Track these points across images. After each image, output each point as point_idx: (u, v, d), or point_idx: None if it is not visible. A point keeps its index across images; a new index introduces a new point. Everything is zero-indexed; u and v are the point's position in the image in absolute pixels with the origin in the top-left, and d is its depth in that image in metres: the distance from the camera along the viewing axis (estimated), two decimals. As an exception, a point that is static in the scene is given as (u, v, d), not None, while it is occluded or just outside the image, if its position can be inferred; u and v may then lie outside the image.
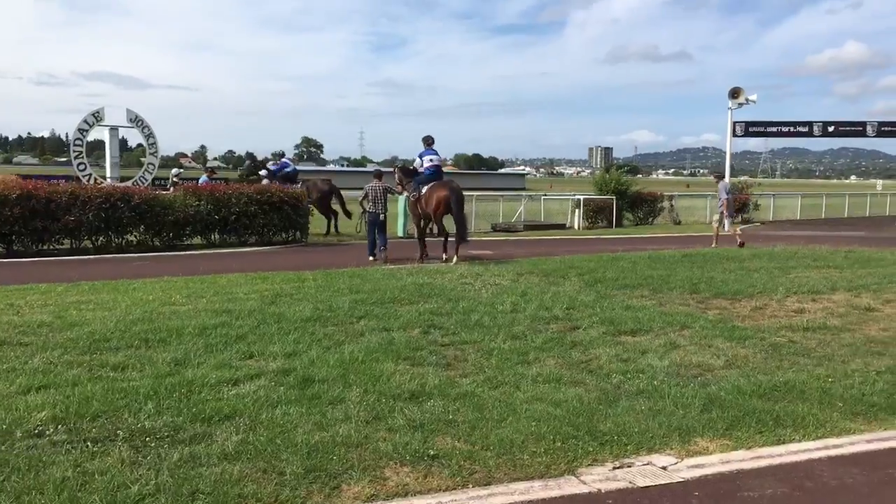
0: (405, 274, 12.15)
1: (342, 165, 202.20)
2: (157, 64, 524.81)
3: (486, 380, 6.31)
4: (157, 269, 13.24)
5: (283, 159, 21.69)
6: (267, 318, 8.31)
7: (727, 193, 19.73)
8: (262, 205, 17.82)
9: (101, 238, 16.23)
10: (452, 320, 8.40)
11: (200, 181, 20.41)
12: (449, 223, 14.69)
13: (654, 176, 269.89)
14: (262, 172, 21.19)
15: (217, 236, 17.83)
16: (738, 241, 18.56)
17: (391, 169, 17.99)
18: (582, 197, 27.95)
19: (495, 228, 24.92)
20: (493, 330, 7.98)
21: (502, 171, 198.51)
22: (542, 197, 30.87)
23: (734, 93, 28.82)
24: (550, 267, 13.13)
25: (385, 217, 15.56)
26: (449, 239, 14.93)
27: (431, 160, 16.52)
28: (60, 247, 16.07)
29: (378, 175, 16.54)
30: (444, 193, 15.08)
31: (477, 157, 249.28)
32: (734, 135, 29.75)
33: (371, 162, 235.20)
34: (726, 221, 19.77)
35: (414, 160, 16.71)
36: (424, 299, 9.65)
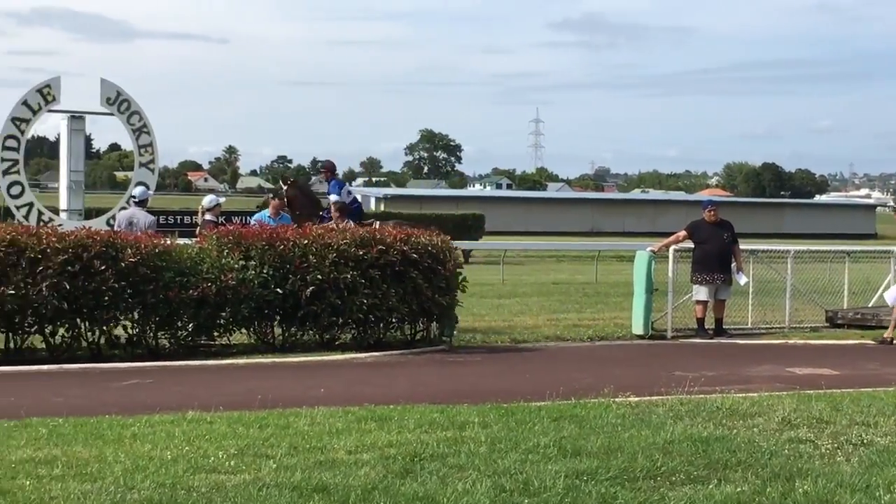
0: (667, 414, 11.99)
1: (497, 186, 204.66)
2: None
3: None
4: (170, 394, 13.51)
5: None
6: (401, 504, 8.20)
7: None
8: (367, 267, 17.77)
9: (61, 329, 16.61)
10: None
11: (257, 219, 20.63)
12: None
13: None
14: None
15: (279, 329, 18.07)
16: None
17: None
18: None
19: (835, 321, 24.00)
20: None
21: (827, 198, 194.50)
22: None
23: None
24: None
25: None
26: None
27: (350, 192, 23.13)
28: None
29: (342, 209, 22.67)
30: None
31: (771, 169, 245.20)
32: None
33: (558, 180, 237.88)
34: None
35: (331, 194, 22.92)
36: (718, 472, 9.38)
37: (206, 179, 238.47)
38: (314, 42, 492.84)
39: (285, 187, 24.04)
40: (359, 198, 24.05)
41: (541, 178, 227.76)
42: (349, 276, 17.55)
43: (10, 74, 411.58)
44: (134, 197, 22.31)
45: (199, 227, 22.52)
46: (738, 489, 8.86)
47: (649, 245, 22.26)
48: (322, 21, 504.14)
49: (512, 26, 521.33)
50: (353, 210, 23.48)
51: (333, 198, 23.37)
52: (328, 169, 25.07)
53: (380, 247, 17.87)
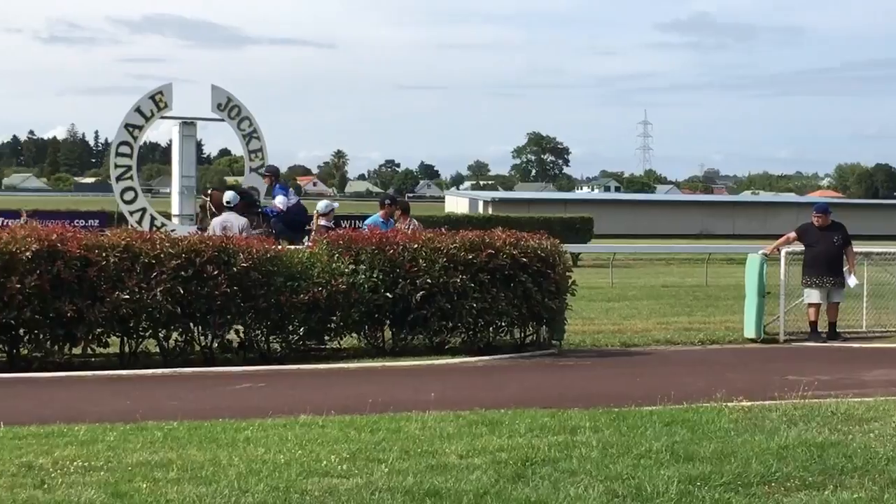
0: (780, 419, 11.85)
1: (605, 188, 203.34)
2: (259, 2, 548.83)
3: None
4: (282, 398, 13.57)
5: None
6: (515, 511, 8.19)
7: None
8: (476, 271, 17.72)
9: (175, 334, 16.80)
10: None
11: (369, 223, 20.75)
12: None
13: None
14: None
15: (389, 333, 18.12)
16: None
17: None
18: None
19: None
20: None
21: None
22: None
23: None
24: None
25: None
26: None
27: (294, 195, 26.32)
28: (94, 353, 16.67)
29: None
30: None
31: (884, 170, 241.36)
32: None
33: (666, 183, 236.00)
34: None
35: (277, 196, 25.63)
36: (834, 479, 9.28)
37: (314, 184, 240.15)
38: (422, 46, 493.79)
39: (209, 198, 25.18)
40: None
41: (649, 181, 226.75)
42: (459, 281, 17.56)
43: (123, 81, 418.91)
44: (229, 202, 22.59)
45: (313, 232, 22.74)
46: (855, 496, 8.74)
47: (760, 248, 22.04)
48: (429, 25, 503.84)
49: (620, 28, 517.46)
50: (296, 212, 25.43)
51: (279, 199, 25.23)
52: (272, 173, 26.78)
53: (489, 251, 17.85)
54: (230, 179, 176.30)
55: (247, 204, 24.45)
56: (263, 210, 25.21)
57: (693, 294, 31.59)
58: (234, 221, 21.14)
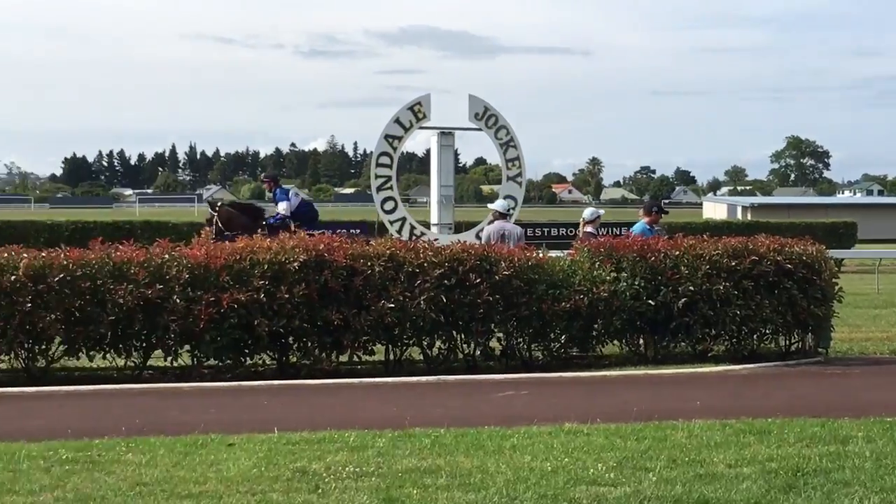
0: None
1: (868, 192, 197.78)
2: (513, 11, 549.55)
3: None
4: (546, 405, 13.60)
5: None
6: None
7: None
8: (740, 278, 17.44)
9: (438, 342, 16.96)
10: None
11: (637, 230, 20.76)
12: None
13: None
14: None
15: (650, 340, 17.92)
16: None
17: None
18: None
19: None
20: None
21: None
22: None
23: None
24: None
25: None
26: None
27: (297, 195, 27.66)
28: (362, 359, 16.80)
29: None
30: None
31: None
32: None
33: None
34: None
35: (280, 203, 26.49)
36: None
37: (570, 191, 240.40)
38: (677, 51, 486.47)
39: (216, 213, 26.63)
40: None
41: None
42: (722, 288, 17.31)
43: (381, 93, 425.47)
44: (510, 210, 22.66)
45: (577, 239, 22.76)
46: None
47: None
48: (685, 29, 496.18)
49: (883, 28, 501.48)
50: (305, 211, 27.03)
51: (282, 205, 26.18)
52: (271, 179, 27.92)
53: (753, 257, 17.57)
54: (486, 188, 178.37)
55: (251, 216, 26.60)
56: (267, 221, 26.16)
57: (964, 300, 30.57)
58: (511, 230, 21.17)
